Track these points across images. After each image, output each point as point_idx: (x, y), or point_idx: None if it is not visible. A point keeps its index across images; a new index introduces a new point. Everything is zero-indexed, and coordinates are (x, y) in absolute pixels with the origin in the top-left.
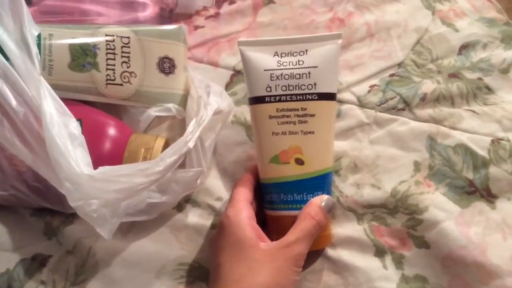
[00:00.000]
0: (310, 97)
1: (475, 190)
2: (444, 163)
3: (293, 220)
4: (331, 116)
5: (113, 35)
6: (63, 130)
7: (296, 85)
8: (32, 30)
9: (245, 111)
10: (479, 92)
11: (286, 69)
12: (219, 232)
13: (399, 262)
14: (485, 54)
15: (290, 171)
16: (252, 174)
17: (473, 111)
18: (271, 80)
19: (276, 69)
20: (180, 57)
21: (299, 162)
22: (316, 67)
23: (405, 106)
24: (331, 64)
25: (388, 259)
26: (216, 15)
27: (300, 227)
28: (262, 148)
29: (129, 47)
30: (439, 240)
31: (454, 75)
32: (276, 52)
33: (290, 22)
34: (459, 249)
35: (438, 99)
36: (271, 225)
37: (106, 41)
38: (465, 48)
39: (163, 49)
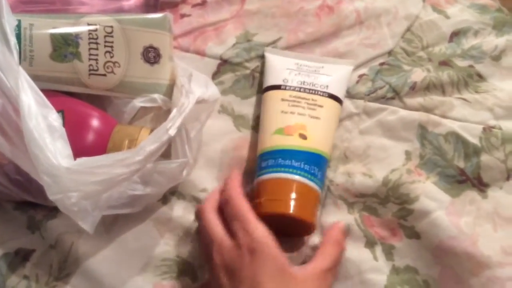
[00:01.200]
0: (321, 94)
1: (466, 179)
2: (435, 152)
3: (286, 183)
4: (336, 114)
5: (95, 24)
6: (41, 122)
7: (310, 83)
8: (10, 20)
9: (232, 101)
10: (470, 80)
11: (303, 71)
12: (250, 257)
13: (389, 253)
14: (477, 41)
15: (293, 141)
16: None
17: (464, 99)
18: (288, 74)
19: (294, 69)
20: (166, 47)
21: (302, 136)
22: (331, 76)
23: (395, 95)
24: (342, 79)
25: (379, 250)
26: (203, 3)
27: (330, 253)
28: (269, 123)
29: (112, 36)
30: (429, 231)
31: (445, 63)
32: (297, 62)
33: (278, 10)
34: (449, 240)
35: (428, 87)
36: (260, 190)
37: (89, 30)
38: (456, 35)
39: (148, 38)
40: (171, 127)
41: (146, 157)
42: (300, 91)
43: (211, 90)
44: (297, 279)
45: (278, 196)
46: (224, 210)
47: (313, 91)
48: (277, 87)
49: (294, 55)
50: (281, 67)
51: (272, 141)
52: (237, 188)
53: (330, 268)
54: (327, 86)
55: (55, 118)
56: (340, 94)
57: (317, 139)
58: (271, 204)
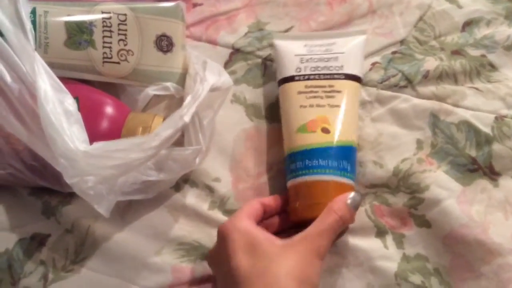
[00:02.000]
0: (337, 77)
1: (478, 168)
2: (446, 141)
3: (316, 185)
4: (356, 95)
5: (109, 12)
6: (58, 107)
7: (324, 67)
8: (26, 6)
9: (244, 90)
10: (482, 69)
11: (315, 54)
12: (220, 244)
13: (399, 241)
14: (489, 31)
15: (317, 139)
16: (260, 204)
17: (477, 89)
18: (301, 63)
19: (306, 54)
20: (178, 35)
21: (325, 131)
22: (343, 53)
23: (407, 83)
24: (357, 52)
25: (389, 239)
26: None
27: (322, 220)
28: (290, 120)
29: (126, 24)
30: (440, 219)
31: (457, 52)
32: (306, 43)
33: None
34: (460, 228)
35: (441, 76)
36: (292, 194)
37: (103, 18)
38: (468, 25)
39: (161, 26)
40: (185, 113)
41: (162, 143)
42: (314, 78)
43: (224, 78)
44: (275, 244)
45: (311, 200)
46: None
47: (329, 76)
48: (291, 79)
49: (304, 36)
50: (291, 54)
51: (296, 140)
52: (244, 208)
53: (319, 232)
54: (342, 66)
55: (71, 103)
56: (357, 70)
57: (340, 130)
58: (306, 209)
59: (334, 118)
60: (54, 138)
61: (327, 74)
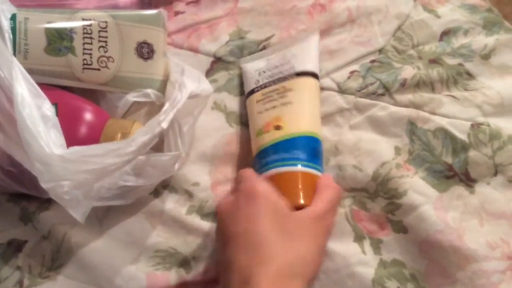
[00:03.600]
0: (289, 77)
1: (454, 174)
2: (423, 148)
3: (273, 178)
4: (310, 89)
5: (90, 19)
6: (35, 112)
7: (278, 72)
8: (5, 12)
9: (225, 98)
10: (459, 77)
11: (272, 65)
12: (248, 200)
13: (377, 247)
14: (466, 40)
15: (270, 137)
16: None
17: (453, 96)
18: (259, 75)
19: (264, 67)
20: (159, 43)
21: (277, 128)
22: (295, 55)
23: (385, 91)
24: (308, 50)
25: (367, 244)
26: (197, 1)
27: (326, 197)
28: (252, 127)
29: (106, 31)
30: (416, 225)
31: (435, 61)
32: (268, 58)
33: (272, 8)
34: (436, 234)
35: (418, 84)
36: None
37: (83, 25)
38: (446, 34)
39: (142, 34)
40: (163, 119)
41: (138, 148)
42: (270, 85)
43: (204, 85)
44: (294, 217)
45: None
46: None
47: (282, 79)
48: (251, 92)
49: (267, 52)
50: (252, 71)
51: (255, 144)
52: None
53: (328, 209)
54: (293, 67)
55: (48, 108)
56: (310, 66)
57: (292, 123)
58: None
59: (286, 114)
60: (29, 142)
61: (280, 78)
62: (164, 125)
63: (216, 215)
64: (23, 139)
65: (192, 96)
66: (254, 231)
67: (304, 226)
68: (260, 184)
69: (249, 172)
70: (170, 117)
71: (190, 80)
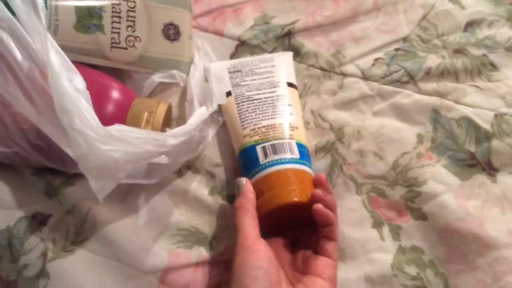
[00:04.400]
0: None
1: (477, 163)
2: (447, 136)
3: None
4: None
5: None
6: (68, 84)
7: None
8: None
9: None
10: (483, 68)
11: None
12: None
13: (396, 233)
14: (491, 31)
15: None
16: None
17: (477, 87)
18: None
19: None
20: (186, 25)
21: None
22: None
23: (410, 79)
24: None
25: (386, 230)
26: None
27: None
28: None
29: (134, 11)
30: (437, 212)
31: (459, 51)
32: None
33: None
34: (456, 221)
35: (443, 73)
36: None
37: (112, 4)
38: (470, 25)
39: (169, 15)
40: (201, 123)
41: (176, 145)
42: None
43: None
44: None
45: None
46: None
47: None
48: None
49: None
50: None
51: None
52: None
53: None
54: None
55: (80, 82)
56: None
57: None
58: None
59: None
60: (70, 111)
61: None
62: (197, 130)
63: None
64: (62, 109)
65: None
66: None
67: None
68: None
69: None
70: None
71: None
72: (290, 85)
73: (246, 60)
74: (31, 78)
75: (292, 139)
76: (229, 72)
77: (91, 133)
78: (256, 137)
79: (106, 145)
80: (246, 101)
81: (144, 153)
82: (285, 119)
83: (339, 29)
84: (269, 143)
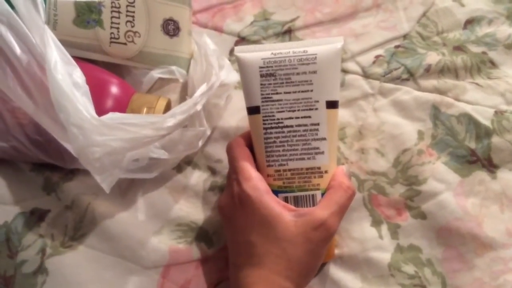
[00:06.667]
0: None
1: (477, 160)
2: (447, 132)
3: None
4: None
5: None
6: (67, 78)
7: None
8: None
9: None
10: (483, 66)
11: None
12: (240, 208)
13: (394, 232)
14: (490, 29)
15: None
16: (243, 137)
17: (477, 84)
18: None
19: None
20: (185, 20)
21: None
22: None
23: (409, 76)
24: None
25: (384, 228)
26: None
27: (333, 201)
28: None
29: (134, 6)
30: (435, 212)
31: (459, 48)
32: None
33: None
34: (455, 221)
35: (443, 70)
36: None
37: None
38: (470, 23)
39: (168, 11)
40: (199, 101)
41: (175, 125)
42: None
43: (232, 75)
44: (290, 225)
45: None
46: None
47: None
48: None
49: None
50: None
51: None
52: (239, 139)
53: (332, 215)
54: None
55: (79, 76)
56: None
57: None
58: None
59: None
60: (65, 106)
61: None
62: (198, 107)
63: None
64: (58, 104)
65: (222, 85)
66: (248, 241)
67: (301, 234)
68: (252, 189)
69: (243, 165)
70: (204, 100)
71: (222, 68)
72: (331, 105)
73: (283, 54)
74: (30, 72)
75: (318, 189)
76: (261, 75)
77: (86, 125)
78: (280, 183)
79: (102, 135)
80: (275, 127)
81: (143, 138)
82: (314, 162)
83: (340, 26)
84: (292, 194)
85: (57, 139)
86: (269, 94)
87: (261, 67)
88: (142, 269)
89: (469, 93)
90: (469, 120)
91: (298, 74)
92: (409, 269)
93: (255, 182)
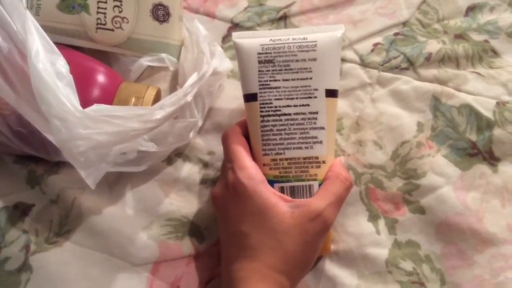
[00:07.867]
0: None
1: (478, 152)
2: (447, 124)
3: None
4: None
5: None
6: (49, 68)
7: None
8: None
9: None
10: (484, 54)
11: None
12: (234, 198)
13: (392, 227)
14: (492, 16)
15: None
16: (239, 125)
17: (478, 73)
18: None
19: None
20: (175, 6)
21: None
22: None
23: (409, 65)
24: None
25: (382, 223)
26: None
27: (331, 190)
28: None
29: None
30: (435, 206)
31: (460, 36)
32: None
33: None
34: (455, 216)
35: (443, 59)
36: None
37: None
38: (472, 9)
39: None
40: (189, 92)
41: (164, 117)
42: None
43: (225, 63)
44: (286, 216)
45: None
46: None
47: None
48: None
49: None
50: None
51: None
52: (235, 128)
53: (329, 206)
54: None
55: (62, 65)
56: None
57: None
58: None
59: None
60: (47, 97)
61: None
62: (189, 98)
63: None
64: (39, 95)
65: (214, 73)
66: (241, 232)
67: (297, 225)
68: (247, 178)
69: (238, 153)
70: (195, 90)
71: (214, 56)
72: (330, 93)
73: (282, 41)
74: (11, 60)
75: (315, 180)
76: (259, 62)
77: (69, 117)
78: (276, 172)
79: (86, 128)
80: (273, 115)
81: (130, 132)
82: (312, 151)
83: (337, 12)
84: (288, 184)
85: (40, 131)
86: (267, 81)
87: (259, 53)
88: (130, 266)
89: (470, 83)
90: (470, 112)
91: (297, 61)
92: (407, 265)
93: (251, 171)
